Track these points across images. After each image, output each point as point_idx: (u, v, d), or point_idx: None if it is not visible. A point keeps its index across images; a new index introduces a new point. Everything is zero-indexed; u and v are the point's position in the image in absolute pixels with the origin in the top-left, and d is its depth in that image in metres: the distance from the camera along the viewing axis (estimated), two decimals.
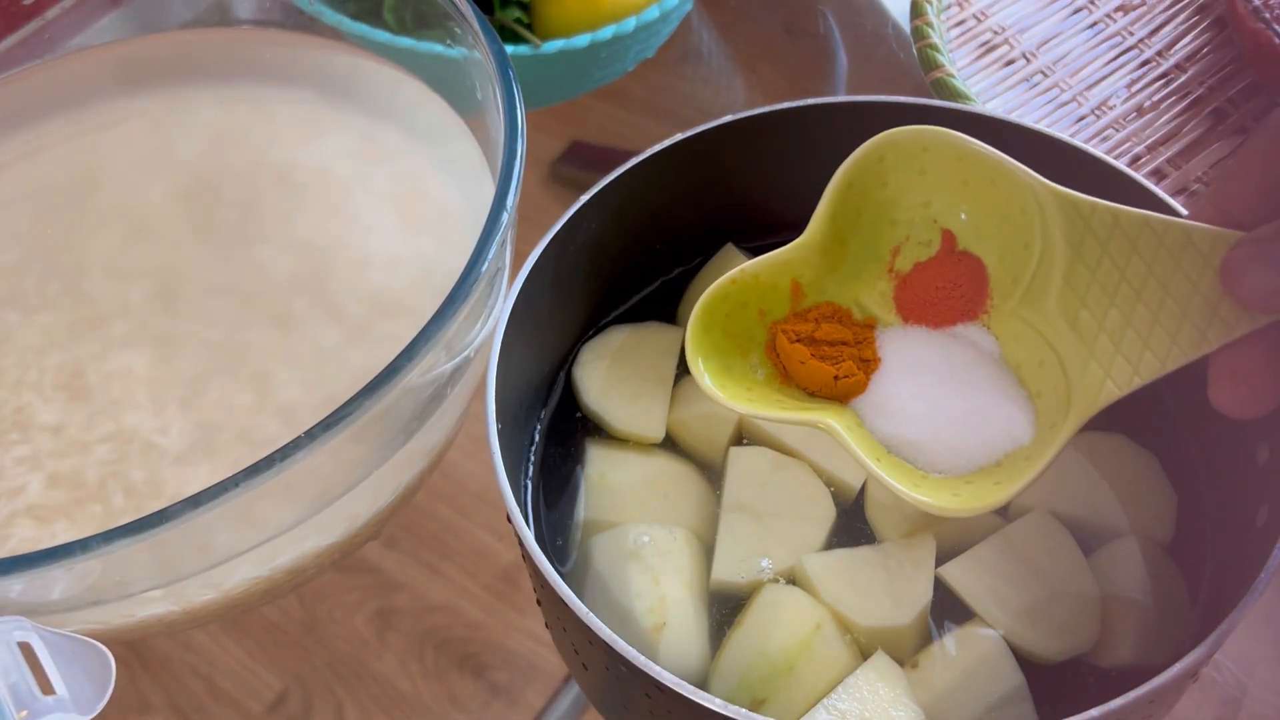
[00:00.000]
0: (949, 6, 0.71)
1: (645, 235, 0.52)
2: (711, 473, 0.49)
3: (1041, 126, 0.48)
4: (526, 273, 0.45)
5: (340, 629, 0.56)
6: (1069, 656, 0.42)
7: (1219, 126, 0.65)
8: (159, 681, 0.55)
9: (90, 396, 0.49)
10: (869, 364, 0.41)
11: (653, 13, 0.66)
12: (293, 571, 0.45)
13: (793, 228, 0.42)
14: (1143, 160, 0.64)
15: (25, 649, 0.34)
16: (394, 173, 0.57)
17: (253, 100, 0.60)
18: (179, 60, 0.62)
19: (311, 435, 0.37)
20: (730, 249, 0.54)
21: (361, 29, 0.61)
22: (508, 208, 0.43)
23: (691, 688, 0.35)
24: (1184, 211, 0.41)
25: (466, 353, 0.43)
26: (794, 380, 0.41)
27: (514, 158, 0.45)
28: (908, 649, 0.43)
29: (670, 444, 0.49)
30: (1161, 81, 0.67)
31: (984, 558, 0.44)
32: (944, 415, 0.39)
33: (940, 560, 0.44)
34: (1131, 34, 0.70)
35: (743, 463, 0.47)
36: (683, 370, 0.50)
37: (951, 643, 0.42)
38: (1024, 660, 0.42)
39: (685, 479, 0.48)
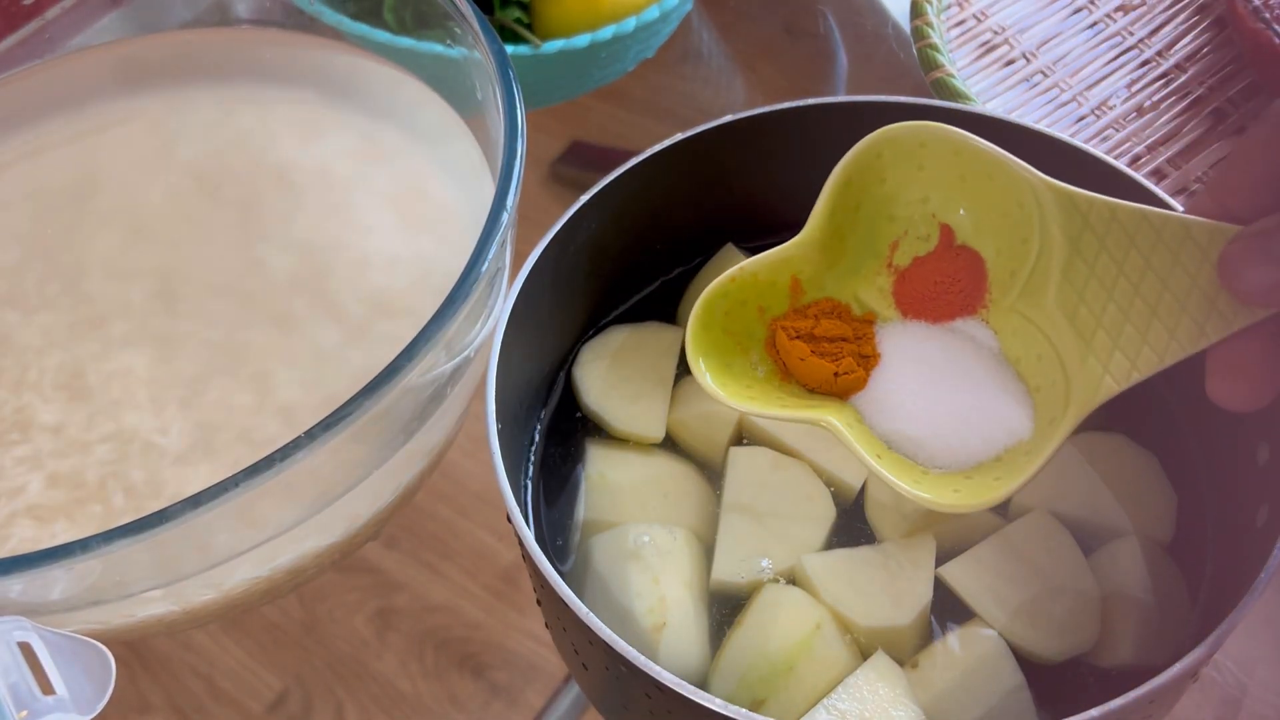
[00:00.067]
0: (949, 6, 0.71)
1: (645, 235, 0.52)
2: (711, 473, 0.49)
3: (1041, 126, 0.48)
4: (526, 273, 0.45)
5: (340, 629, 0.56)
6: (1069, 656, 0.42)
7: (1219, 126, 0.65)
8: (159, 681, 0.55)
9: (90, 396, 0.49)
10: (869, 360, 0.41)
11: (653, 13, 0.66)
12: (293, 571, 0.45)
13: (792, 227, 0.42)
14: (1143, 160, 0.64)
15: (25, 649, 0.34)
16: (394, 173, 0.57)
17: (253, 100, 0.60)
18: (179, 60, 0.62)
19: (311, 435, 0.37)
20: (730, 249, 0.54)
21: (361, 29, 0.61)
22: (508, 208, 0.43)
23: (691, 688, 0.35)
24: (1182, 209, 0.41)
25: (466, 353, 0.43)
26: (794, 377, 0.41)
27: (514, 158, 0.45)
28: (908, 649, 0.43)
29: (670, 444, 0.49)
30: (1161, 81, 0.67)
31: (984, 558, 0.44)
32: (944, 410, 0.39)
33: (940, 560, 0.44)
34: (1131, 34, 0.70)
35: (743, 463, 0.47)
36: (683, 370, 0.50)
37: (951, 643, 0.42)
38: (1024, 660, 0.42)
39: (685, 479, 0.48)
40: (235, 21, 0.65)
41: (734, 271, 0.41)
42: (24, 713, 0.32)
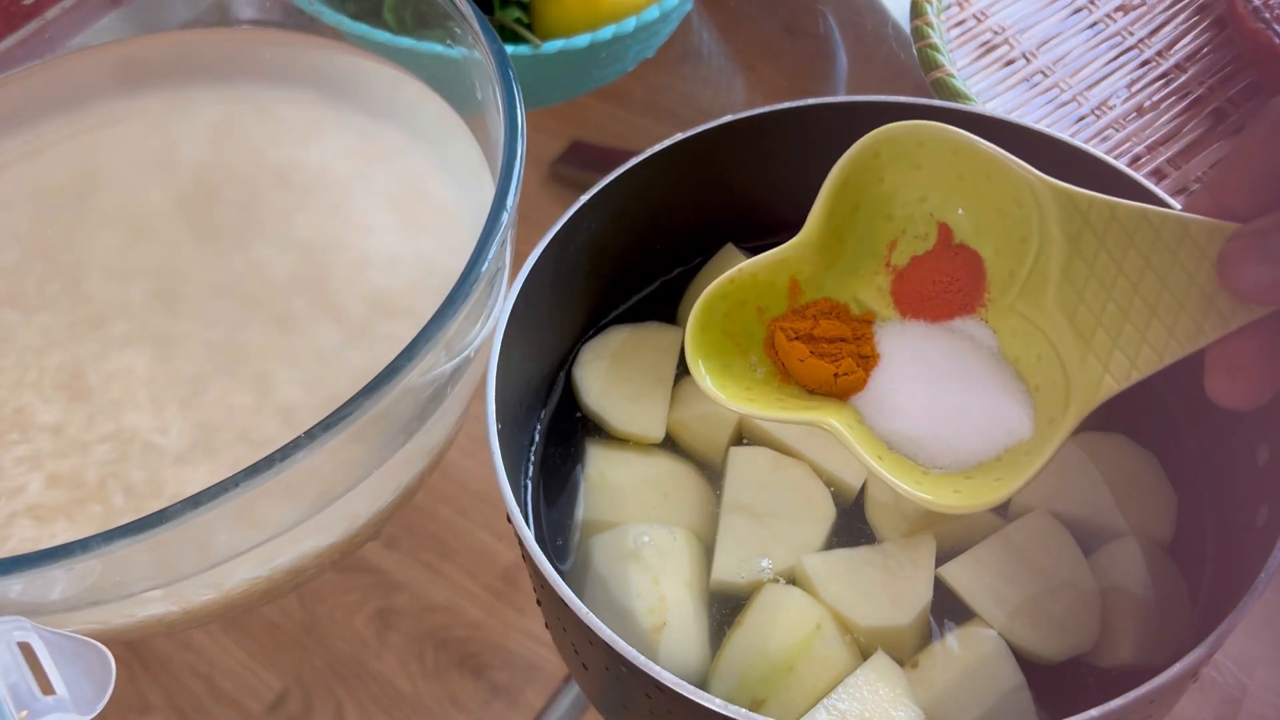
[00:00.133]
0: (949, 6, 0.71)
1: (645, 235, 0.52)
2: (711, 473, 0.49)
3: (1041, 126, 0.48)
4: (526, 273, 0.45)
5: (340, 629, 0.56)
6: (1069, 656, 0.42)
7: (1219, 126, 0.65)
8: (159, 681, 0.55)
9: (90, 396, 0.49)
10: (868, 360, 0.41)
11: (653, 13, 0.66)
12: (293, 571, 0.45)
13: (792, 227, 0.42)
14: (1143, 160, 0.64)
15: (25, 649, 0.34)
16: (394, 173, 0.57)
17: (253, 100, 0.60)
18: (179, 60, 0.62)
19: (311, 435, 0.37)
20: (730, 249, 0.54)
21: (361, 29, 0.61)
22: (508, 208, 0.43)
23: (691, 688, 0.35)
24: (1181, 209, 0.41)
25: (466, 353, 0.43)
26: (794, 378, 0.41)
27: (514, 158, 0.45)
28: (908, 649, 0.43)
29: (670, 444, 0.49)
30: (1161, 81, 0.67)
31: (984, 558, 0.44)
32: (944, 410, 0.39)
33: (940, 560, 0.44)
34: (1131, 34, 0.70)
35: (743, 463, 0.47)
36: (683, 370, 0.50)
37: (951, 643, 0.42)
38: (1024, 660, 0.42)
39: (685, 479, 0.48)
40: (235, 21, 0.65)
41: (733, 273, 0.41)
42: (24, 713, 0.32)
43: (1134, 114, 0.66)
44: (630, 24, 0.65)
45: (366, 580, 0.57)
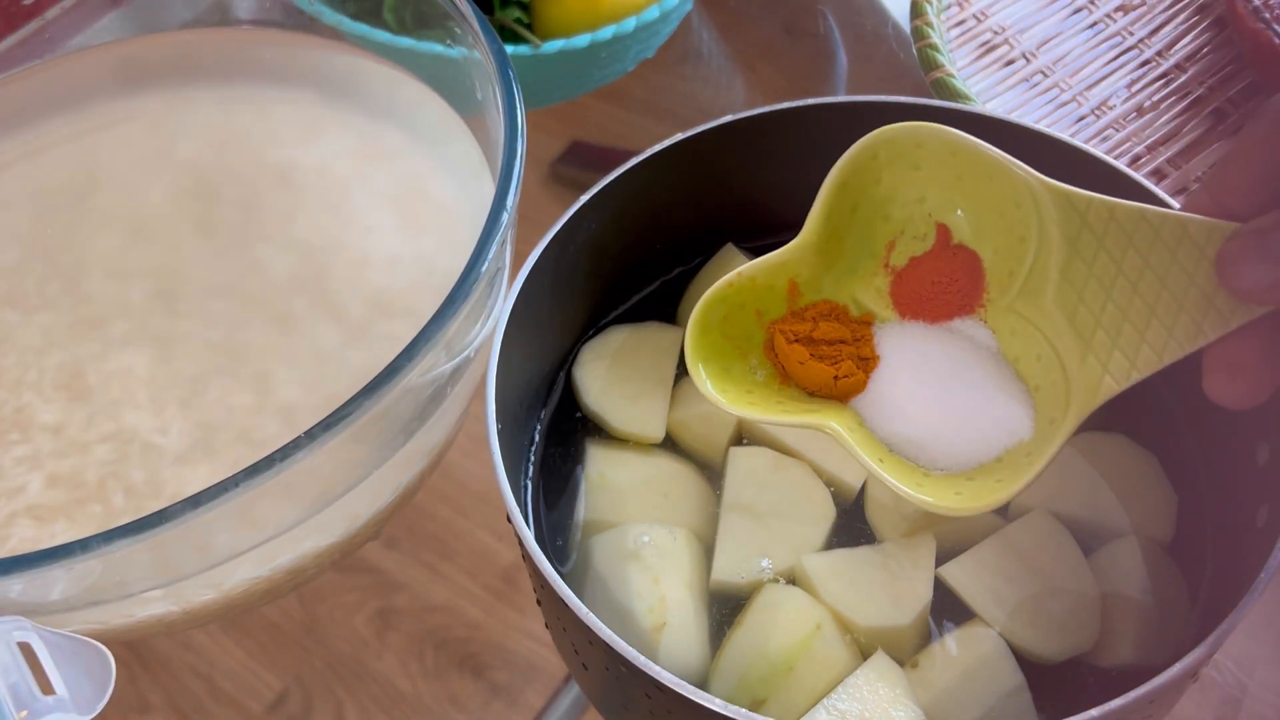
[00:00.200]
0: (949, 6, 0.71)
1: (645, 235, 0.52)
2: (711, 473, 0.49)
3: (1041, 126, 0.48)
4: (526, 273, 0.45)
5: (340, 629, 0.56)
6: (1069, 656, 0.42)
7: (1219, 126, 0.65)
8: (159, 681, 0.55)
9: (90, 396, 0.49)
10: (868, 362, 0.41)
11: (653, 13, 0.66)
12: (293, 571, 0.45)
13: (792, 227, 0.42)
14: (1143, 160, 0.64)
15: (25, 649, 0.34)
16: (394, 173, 0.57)
17: (253, 100, 0.60)
18: (179, 60, 0.62)
19: (311, 435, 0.37)
20: (730, 249, 0.54)
21: (361, 29, 0.61)
22: (508, 208, 0.43)
23: (691, 688, 0.35)
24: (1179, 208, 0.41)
25: (466, 353, 0.43)
26: (794, 380, 0.41)
27: (514, 158, 0.45)
28: (908, 649, 0.43)
29: (670, 444, 0.49)
30: (1161, 81, 0.67)
31: (984, 558, 0.44)
32: (944, 411, 0.39)
33: (940, 560, 0.44)
34: (1131, 34, 0.70)
35: (743, 463, 0.47)
36: (683, 370, 0.50)
37: (951, 643, 0.42)
38: (1024, 660, 0.42)
39: (685, 479, 0.48)
40: (235, 21, 0.65)
41: (731, 276, 0.41)
42: (24, 713, 0.32)
43: (1134, 114, 0.66)
44: (630, 24, 0.65)
45: (366, 580, 0.57)
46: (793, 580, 0.45)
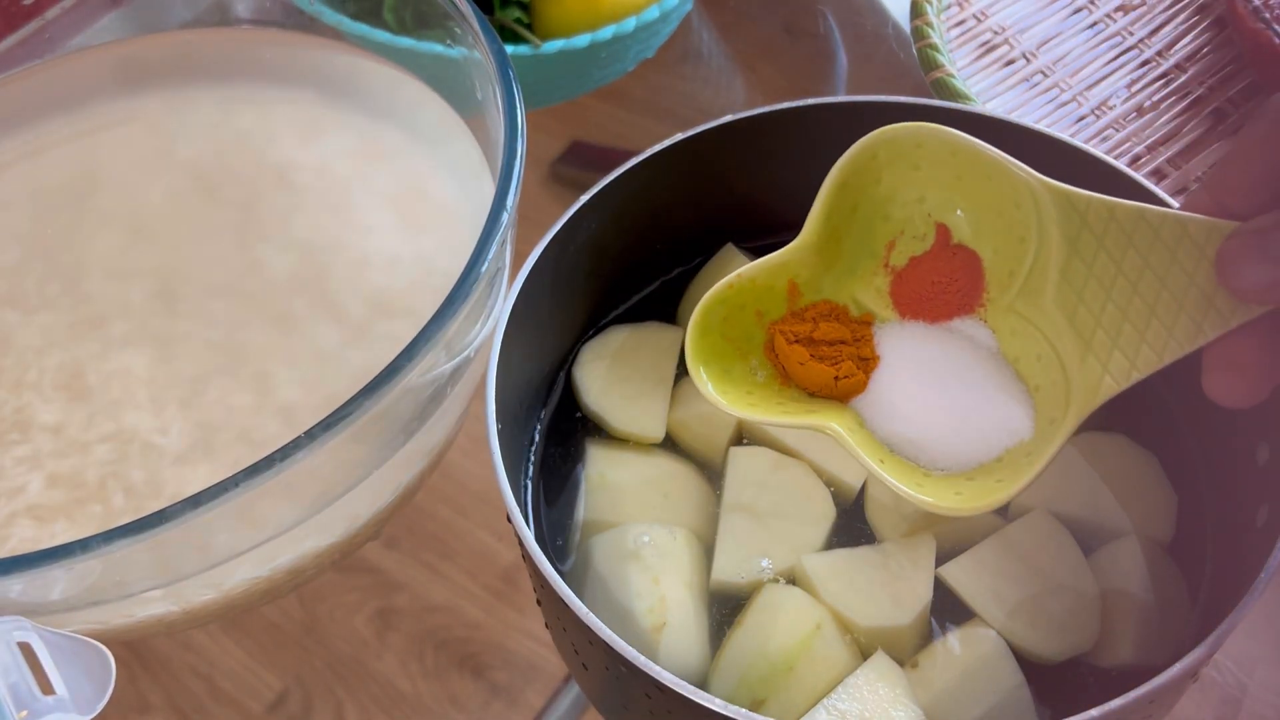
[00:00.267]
0: (949, 6, 0.71)
1: (645, 235, 0.52)
2: (711, 473, 0.49)
3: (1041, 126, 0.48)
4: (526, 273, 0.45)
5: (340, 629, 0.56)
6: (1069, 656, 0.42)
7: (1219, 126, 0.65)
8: (159, 681, 0.55)
9: (90, 396, 0.49)
10: (868, 362, 0.41)
11: (653, 13, 0.66)
12: (293, 571, 0.45)
13: (792, 227, 0.42)
14: (1143, 160, 0.64)
15: (25, 649, 0.34)
16: (394, 173, 0.57)
17: (253, 100, 0.60)
18: (179, 60, 0.62)
19: (311, 435, 0.37)
20: (730, 249, 0.54)
21: (361, 29, 0.61)
22: (508, 208, 0.43)
23: (691, 688, 0.35)
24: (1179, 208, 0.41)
25: (466, 353, 0.43)
26: (794, 381, 0.41)
27: (514, 158, 0.45)
28: (908, 649, 0.43)
29: (670, 444, 0.49)
30: (1161, 81, 0.67)
31: (984, 558, 0.44)
32: (944, 412, 0.39)
33: (940, 560, 0.44)
34: (1131, 34, 0.70)
35: (743, 463, 0.47)
36: (683, 370, 0.50)
37: (951, 643, 0.42)
38: (1024, 660, 0.42)
39: (685, 479, 0.48)
40: (235, 21, 0.65)
41: (731, 278, 0.41)
42: (24, 713, 0.32)
43: (1134, 114, 0.66)
44: (630, 24, 0.65)
45: (366, 580, 0.57)
46: (793, 580, 0.45)
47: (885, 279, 0.42)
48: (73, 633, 0.35)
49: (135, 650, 0.56)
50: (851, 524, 0.46)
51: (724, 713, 0.34)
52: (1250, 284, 0.34)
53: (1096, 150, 0.47)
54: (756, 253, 0.42)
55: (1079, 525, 0.45)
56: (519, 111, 0.46)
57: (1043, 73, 0.68)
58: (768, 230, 0.52)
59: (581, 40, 0.64)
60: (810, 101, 0.50)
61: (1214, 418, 0.45)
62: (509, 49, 0.61)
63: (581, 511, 0.48)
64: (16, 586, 0.36)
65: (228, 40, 0.64)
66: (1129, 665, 0.42)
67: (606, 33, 0.64)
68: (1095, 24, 0.71)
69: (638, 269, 0.54)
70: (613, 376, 0.50)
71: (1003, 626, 0.42)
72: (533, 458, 0.50)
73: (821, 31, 0.81)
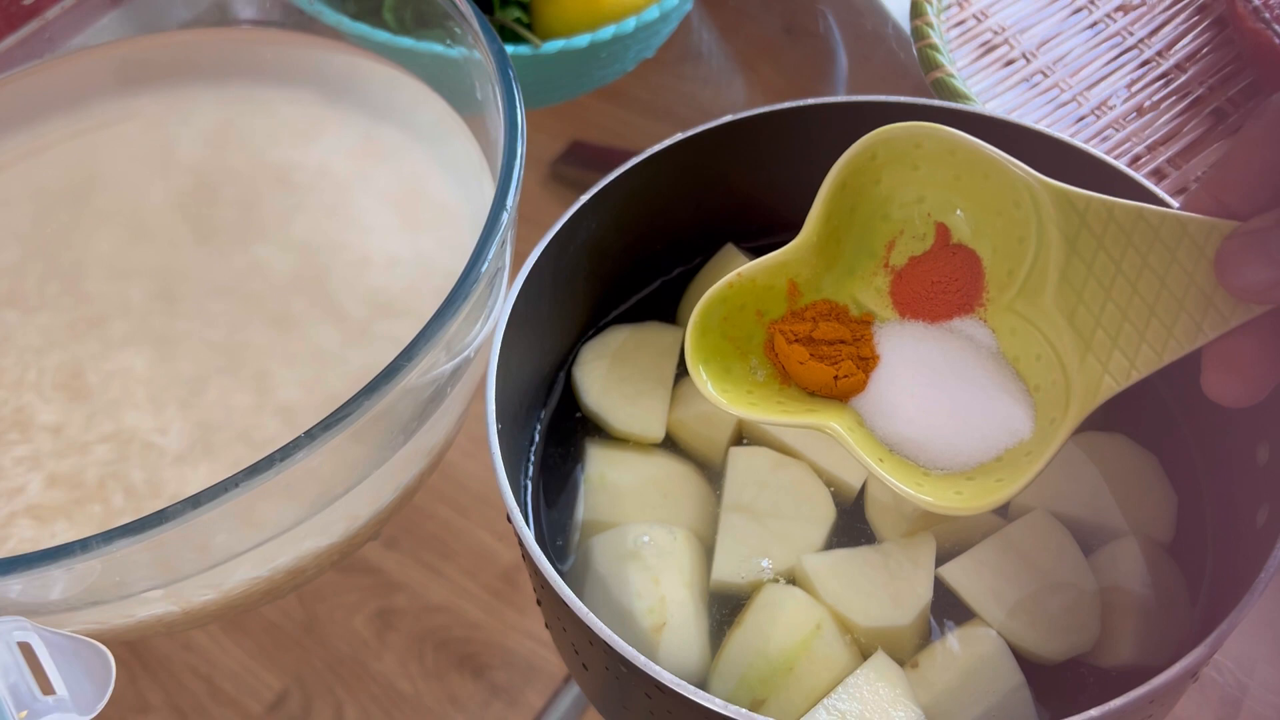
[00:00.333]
0: (949, 6, 0.71)
1: (645, 235, 0.52)
2: (711, 473, 0.49)
3: (1041, 126, 0.48)
4: (526, 273, 0.45)
5: (340, 629, 0.56)
6: (1069, 656, 0.42)
7: (1219, 126, 0.65)
8: (159, 681, 0.55)
9: (90, 396, 0.49)
10: (868, 362, 0.41)
11: (653, 13, 0.66)
12: (293, 572, 0.45)
13: (792, 227, 0.42)
14: (1143, 160, 0.64)
15: (25, 649, 0.34)
16: (394, 172, 0.57)
17: (253, 100, 0.60)
18: (179, 60, 0.63)
19: (311, 435, 0.37)
20: (730, 249, 0.54)
21: (361, 28, 0.61)
22: (508, 208, 0.43)
23: (691, 688, 0.35)
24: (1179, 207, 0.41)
25: (466, 353, 0.43)
26: (794, 381, 0.41)
27: (514, 158, 0.45)
28: (908, 649, 0.43)
29: (670, 444, 0.49)
30: (1161, 81, 0.67)
31: (984, 558, 0.44)
32: (944, 411, 0.39)
33: (940, 560, 0.44)
34: (1131, 34, 0.70)
35: (743, 463, 0.47)
36: (683, 370, 0.50)
37: (951, 643, 0.42)
38: (1024, 660, 0.42)
39: (685, 479, 0.48)
40: (235, 21, 0.65)
41: (731, 277, 0.41)
42: (24, 713, 0.32)
43: (1134, 114, 0.66)
44: (630, 24, 0.65)
45: (366, 580, 0.57)
46: (793, 580, 0.45)
47: (885, 279, 0.42)
48: (73, 633, 0.35)
49: (135, 650, 0.56)
50: (851, 524, 0.46)
51: (724, 713, 0.34)
52: (1249, 284, 0.34)
53: (1096, 150, 0.47)
54: (756, 253, 0.42)
55: (1079, 525, 0.45)
56: (519, 111, 0.46)
57: (1043, 73, 0.68)
58: (768, 230, 0.52)
59: (581, 40, 0.64)
60: (810, 101, 0.50)
61: (1214, 418, 0.45)
62: (509, 49, 0.61)
63: (581, 511, 0.48)
64: (16, 586, 0.36)
65: (228, 40, 0.64)
66: (1129, 665, 0.42)
67: (606, 33, 0.64)
68: (1095, 24, 0.71)
69: (638, 269, 0.54)
70: (613, 376, 0.50)
71: (1003, 626, 0.42)
72: (533, 458, 0.50)
73: (821, 31, 0.81)
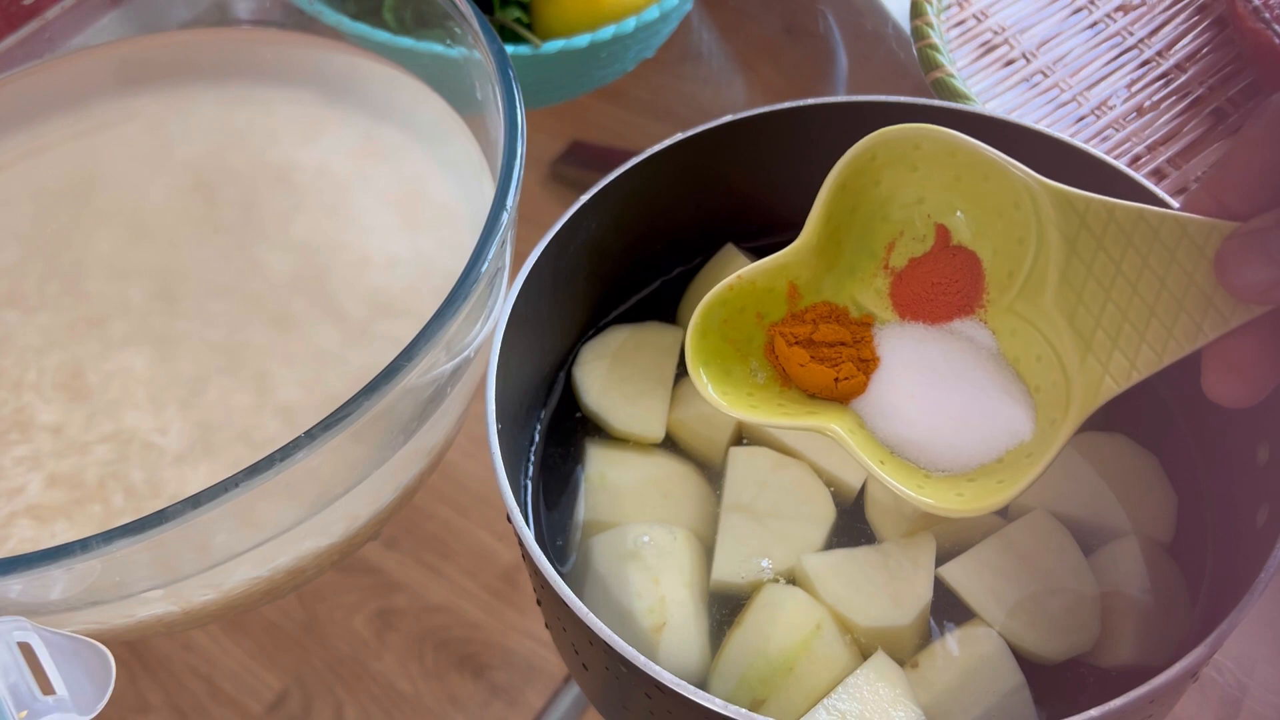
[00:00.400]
0: (949, 6, 0.71)
1: (645, 235, 0.52)
2: (711, 473, 0.49)
3: (1041, 126, 0.48)
4: (526, 273, 0.45)
5: (340, 629, 0.56)
6: (1069, 656, 0.42)
7: (1219, 126, 0.65)
8: (159, 681, 0.55)
9: (90, 396, 0.49)
10: (868, 364, 0.41)
11: (653, 13, 0.66)
12: (293, 572, 0.45)
13: (792, 227, 0.42)
14: (1143, 160, 0.64)
15: (25, 649, 0.34)
16: (394, 172, 0.57)
17: (252, 100, 0.60)
18: (179, 60, 0.63)
19: (311, 435, 0.37)
20: (730, 249, 0.54)
21: (361, 28, 0.61)
22: (508, 208, 0.43)
23: (691, 688, 0.35)
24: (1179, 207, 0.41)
25: (466, 353, 0.43)
26: (794, 383, 0.41)
27: (514, 158, 0.45)
28: (908, 649, 0.43)
29: (670, 444, 0.49)
30: (1161, 81, 0.67)
31: (984, 558, 0.44)
32: (945, 413, 0.39)
33: (940, 560, 0.44)
34: (1131, 34, 0.70)
35: (743, 463, 0.47)
36: (682, 370, 0.50)
37: (951, 643, 0.42)
38: (1024, 660, 0.42)
39: (685, 479, 0.48)
40: (235, 21, 0.65)
41: (731, 279, 0.41)
42: (24, 713, 0.32)
43: (1134, 114, 0.66)
44: (630, 24, 0.65)
45: (366, 580, 0.57)
46: (793, 580, 0.45)
47: (885, 280, 0.42)
48: (73, 633, 0.35)
49: (135, 650, 0.56)
50: (851, 524, 0.46)
51: (724, 713, 0.34)
52: (1249, 284, 0.34)
53: (1096, 150, 0.47)
54: (756, 253, 0.42)
55: (1079, 525, 0.45)
56: (519, 111, 0.46)
57: (1043, 73, 0.68)
58: (768, 230, 0.52)
59: (581, 40, 0.64)
60: (810, 101, 0.50)
61: (1214, 418, 0.45)
62: (509, 49, 0.61)
63: (581, 511, 0.48)
64: (16, 586, 0.36)
65: (228, 40, 0.64)
66: (1129, 665, 0.42)
67: (606, 33, 0.64)
68: (1095, 24, 0.71)
69: (638, 269, 0.54)
70: (613, 376, 0.50)
71: (1003, 626, 0.42)
72: (533, 458, 0.50)
73: (821, 31, 0.81)
